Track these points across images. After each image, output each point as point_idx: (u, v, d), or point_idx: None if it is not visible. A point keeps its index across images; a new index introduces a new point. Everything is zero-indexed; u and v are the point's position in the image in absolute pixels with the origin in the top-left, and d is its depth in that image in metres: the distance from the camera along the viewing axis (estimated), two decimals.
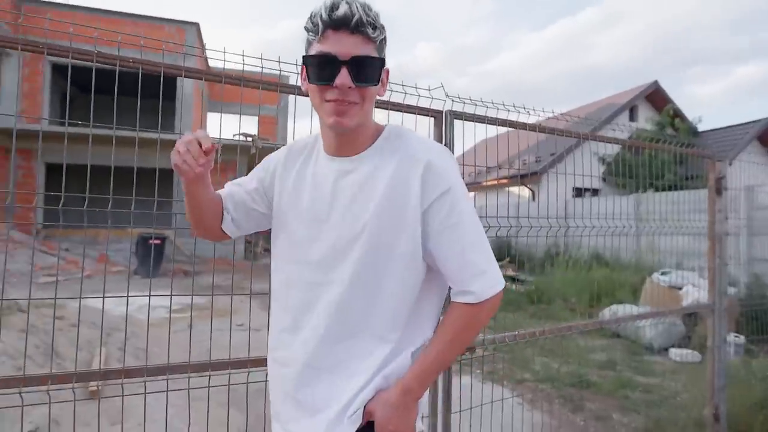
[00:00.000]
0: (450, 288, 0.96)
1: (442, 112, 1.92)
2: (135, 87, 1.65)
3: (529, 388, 3.97)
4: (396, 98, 1.81)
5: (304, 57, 0.89)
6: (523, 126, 2.18)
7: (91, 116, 1.44)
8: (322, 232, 0.94)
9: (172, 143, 0.91)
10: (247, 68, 1.61)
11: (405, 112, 1.88)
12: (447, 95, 1.91)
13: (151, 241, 9.47)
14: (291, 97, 1.89)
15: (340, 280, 0.91)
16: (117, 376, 1.37)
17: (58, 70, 14.16)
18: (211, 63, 19.00)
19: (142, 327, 1.57)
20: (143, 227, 7.42)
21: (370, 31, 0.84)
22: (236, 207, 1.09)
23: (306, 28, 0.88)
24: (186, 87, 14.55)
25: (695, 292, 5.22)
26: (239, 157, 12.24)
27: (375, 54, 0.87)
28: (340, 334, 0.92)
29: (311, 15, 0.86)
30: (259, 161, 1.14)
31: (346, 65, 0.83)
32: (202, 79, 1.72)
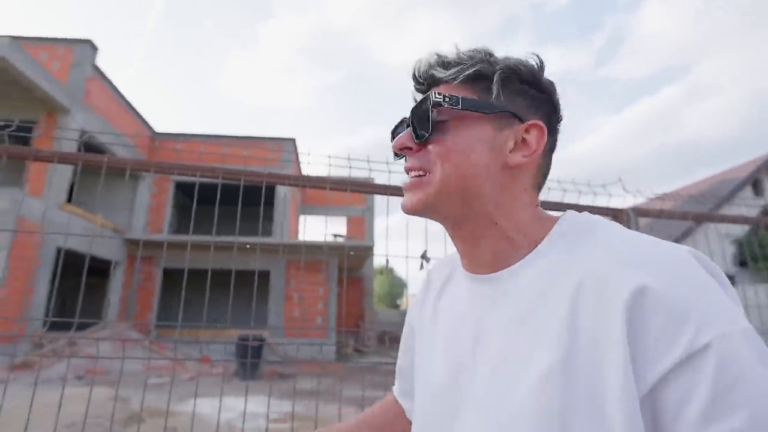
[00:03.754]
0: None
1: (623, 210, 1.72)
2: (235, 197, 1.79)
3: None
4: (569, 198, 1.66)
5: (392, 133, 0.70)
6: (721, 219, 2.05)
7: (191, 227, 1.63)
8: (463, 404, 0.55)
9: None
10: (334, 172, 1.73)
11: (581, 212, 1.75)
12: (626, 190, 1.71)
13: (249, 343, 9.76)
14: (376, 196, 1.96)
15: None
16: None
17: (180, 188, 16.44)
18: (305, 170, 20.95)
19: None
20: (241, 328, 7.81)
21: (439, 72, 0.58)
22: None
23: None
24: (283, 194, 15.98)
25: None
26: (329, 257, 12.76)
27: (453, 93, 0.57)
28: None
29: None
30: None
31: (410, 120, 0.59)
32: (323, 188, 1.79)
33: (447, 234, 0.62)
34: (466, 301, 0.61)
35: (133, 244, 13.34)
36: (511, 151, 0.56)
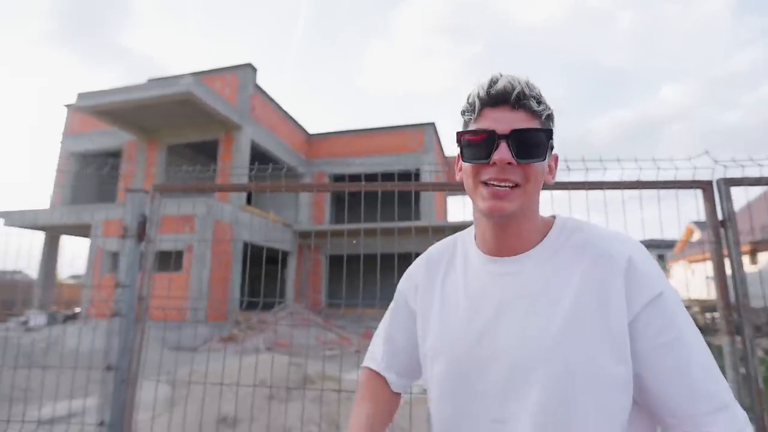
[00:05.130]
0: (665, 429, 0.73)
1: (711, 182, 1.73)
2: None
3: None
4: (647, 175, 1.73)
5: (458, 134, 0.78)
6: None
7: (345, 217, 1.89)
8: (489, 359, 0.76)
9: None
10: None
11: (661, 188, 1.75)
12: (716, 161, 1.71)
13: None
14: None
15: (517, 418, 0.72)
16: None
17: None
18: (448, 151, 21.06)
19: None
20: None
21: (533, 104, 0.73)
22: (403, 359, 0.97)
23: (462, 111, 0.79)
24: (426, 177, 16.37)
25: None
26: None
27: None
28: None
29: (468, 97, 0.78)
30: None
31: (506, 139, 0.72)
32: (445, 189, 1.98)
33: (489, 225, 0.79)
34: (484, 280, 0.81)
35: (300, 235, 15.28)
36: (546, 173, 0.79)
